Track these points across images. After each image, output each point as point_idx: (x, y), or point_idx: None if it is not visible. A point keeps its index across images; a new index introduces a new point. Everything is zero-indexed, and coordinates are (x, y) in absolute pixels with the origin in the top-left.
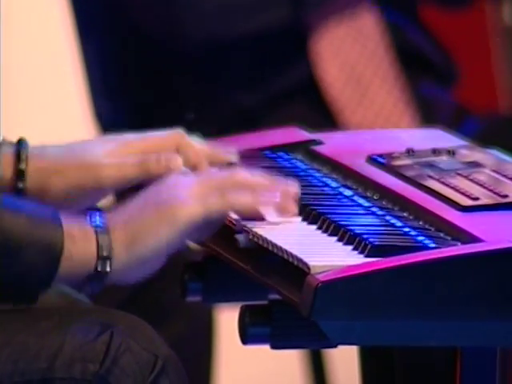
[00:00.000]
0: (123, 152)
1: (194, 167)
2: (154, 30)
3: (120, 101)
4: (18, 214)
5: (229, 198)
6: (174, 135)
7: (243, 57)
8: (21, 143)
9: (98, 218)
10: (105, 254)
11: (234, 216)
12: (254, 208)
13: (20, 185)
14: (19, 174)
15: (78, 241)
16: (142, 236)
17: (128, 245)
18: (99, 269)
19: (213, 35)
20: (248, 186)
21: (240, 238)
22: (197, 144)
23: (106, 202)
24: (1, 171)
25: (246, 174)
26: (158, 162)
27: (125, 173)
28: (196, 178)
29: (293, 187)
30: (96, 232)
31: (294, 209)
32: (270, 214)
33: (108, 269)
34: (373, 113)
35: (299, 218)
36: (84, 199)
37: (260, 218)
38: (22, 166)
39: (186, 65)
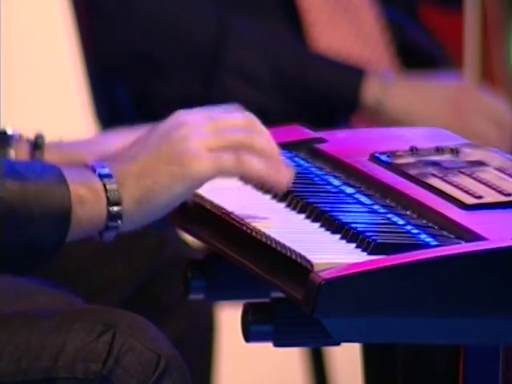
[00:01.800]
0: None
1: None
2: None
3: (120, 98)
4: (24, 181)
5: (244, 162)
6: None
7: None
8: (38, 136)
9: (106, 173)
10: (115, 212)
11: (232, 209)
12: (264, 178)
13: (116, 224)
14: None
15: (87, 201)
16: (154, 193)
17: (139, 201)
18: (110, 225)
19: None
20: (263, 153)
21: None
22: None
23: None
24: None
25: (264, 138)
26: None
27: None
28: (212, 128)
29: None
30: (105, 187)
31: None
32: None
33: (118, 224)
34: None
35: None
36: None
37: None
38: (39, 155)
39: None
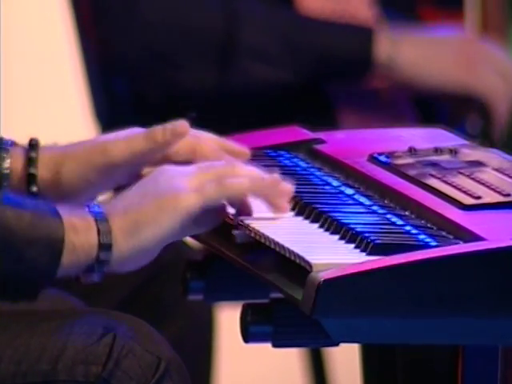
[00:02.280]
0: (130, 131)
1: (212, 157)
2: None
3: (120, 100)
4: (20, 211)
5: (226, 184)
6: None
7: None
8: (32, 140)
9: (96, 207)
10: (106, 241)
11: (232, 211)
12: (247, 195)
13: (32, 170)
14: (30, 162)
15: (80, 231)
16: (142, 225)
17: (128, 233)
18: (101, 257)
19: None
20: (246, 175)
21: (237, 233)
22: (209, 135)
23: (104, 197)
24: (11, 163)
25: (245, 166)
26: (164, 129)
27: (132, 145)
28: (194, 168)
29: (288, 185)
30: (96, 220)
31: (287, 207)
32: (258, 207)
33: (109, 257)
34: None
35: (290, 213)
36: (97, 179)
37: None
38: (33, 154)
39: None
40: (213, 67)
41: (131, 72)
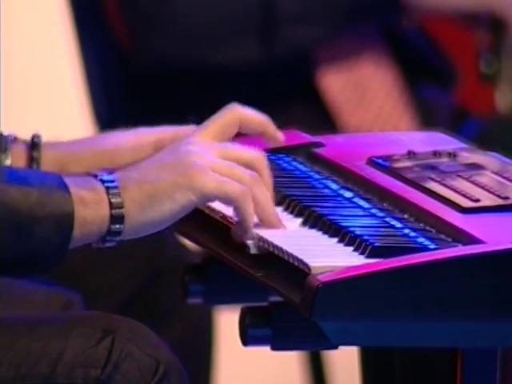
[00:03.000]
0: (138, 138)
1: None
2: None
3: (120, 102)
4: (26, 188)
5: (246, 195)
6: (191, 126)
7: (235, 75)
8: (34, 136)
9: (106, 176)
10: (118, 213)
11: (230, 212)
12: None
13: (118, 228)
14: (32, 161)
15: (90, 203)
16: (156, 199)
17: (141, 205)
18: (112, 229)
19: (183, 62)
20: (259, 204)
21: (250, 244)
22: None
23: None
24: (12, 161)
25: (262, 191)
26: (175, 133)
27: (142, 155)
28: (220, 154)
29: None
30: (108, 191)
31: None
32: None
33: (121, 228)
34: (372, 115)
35: (289, 216)
36: None
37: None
38: (35, 153)
39: (182, 74)
40: (256, 41)
41: (168, 64)
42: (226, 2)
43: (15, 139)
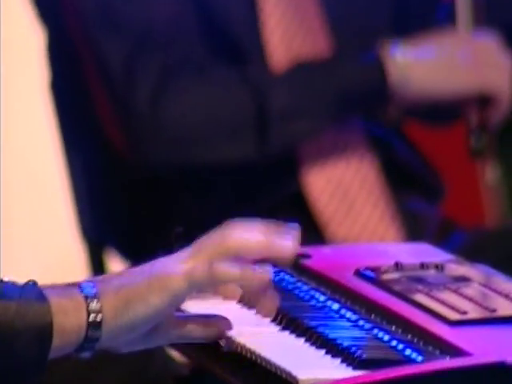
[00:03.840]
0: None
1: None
2: (122, 150)
3: (107, 213)
4: (5, 302)
5: (216, 270)
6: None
7: (225, 180)
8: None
9: (89, 287)
10: (95, 319)
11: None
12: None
13: (96, 334)
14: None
15: (69, 311)
16: (131, 302)
17: (118, 310)
18: (90, 335)
19: (174, 163)
20: (238, 253)
21: (223, 342)
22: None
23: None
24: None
25: (239, 239)
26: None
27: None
28: (192, 248)
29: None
30: (86, 299)
31: (269, 311)
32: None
33: (98, 334)
34: (359, 226)
35: (277, 328)
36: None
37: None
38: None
39: (169, 182)
40: (250, 140)
41: (160, 167)
42: (218, 103)
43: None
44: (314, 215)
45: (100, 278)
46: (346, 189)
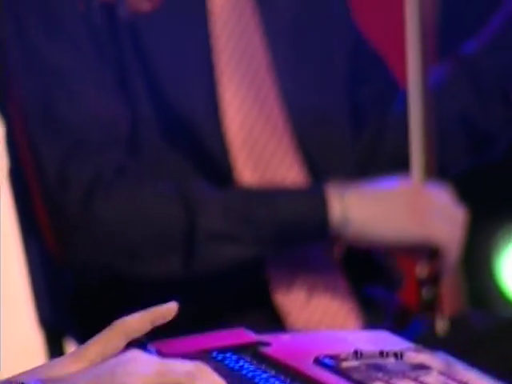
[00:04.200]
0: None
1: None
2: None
3: (64, 302)
4: None
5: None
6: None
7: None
8: None
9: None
10: None
11: None
12: None
13: None
14: None
15: None
16: None
17: None
18: None
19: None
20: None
21: None
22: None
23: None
24: None
25: (211, 374)
26: None
27: None
28: (157, 368)
29: None
30: None
31: None
32: None
33: None
34: (319, 314)
35: None
36: None
37: None
38: None
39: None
40: (177, 255)
41: (88, 270)
42: (149, 216)
43: None
44: (276, 306)
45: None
46: (306, 276)
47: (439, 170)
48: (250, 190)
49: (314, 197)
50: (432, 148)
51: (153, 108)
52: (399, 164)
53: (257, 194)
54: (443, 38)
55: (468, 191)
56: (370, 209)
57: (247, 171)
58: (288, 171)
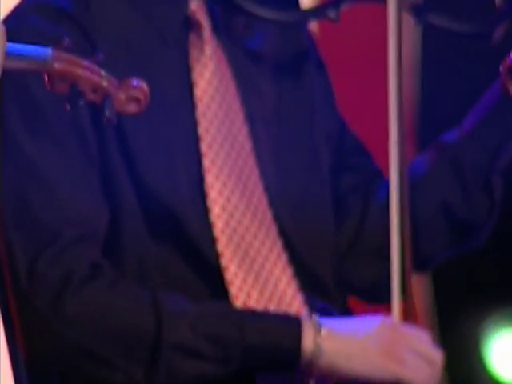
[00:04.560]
0: None
1: None
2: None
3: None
4: None
5: None
6: None
7: None
8: None
9: None
10: None
11: None
12: None
13: None
14: None
15: None
16: None
17: None
18: None
19: None
20: None
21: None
22: None
23: None
24: None
25: None
26: None
27: None
28: None
29: None
30: None
31: None
32: None
33: None
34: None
35: None
36: None
37: None
38: None
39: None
40: (142, 365)
41: (55, 367)
42: (118, 321)
43: None
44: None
45: None
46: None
47: (422, 260)
48: (225, 308)
49: (288, 324)
50: (410, 240)
51: (136, 200)
52: (381, 254)
53: (230, 314)
54: (425, 127)
55: (455, 278)
56: (344, 343)
57: (228, 253)
58: (269, 252)
